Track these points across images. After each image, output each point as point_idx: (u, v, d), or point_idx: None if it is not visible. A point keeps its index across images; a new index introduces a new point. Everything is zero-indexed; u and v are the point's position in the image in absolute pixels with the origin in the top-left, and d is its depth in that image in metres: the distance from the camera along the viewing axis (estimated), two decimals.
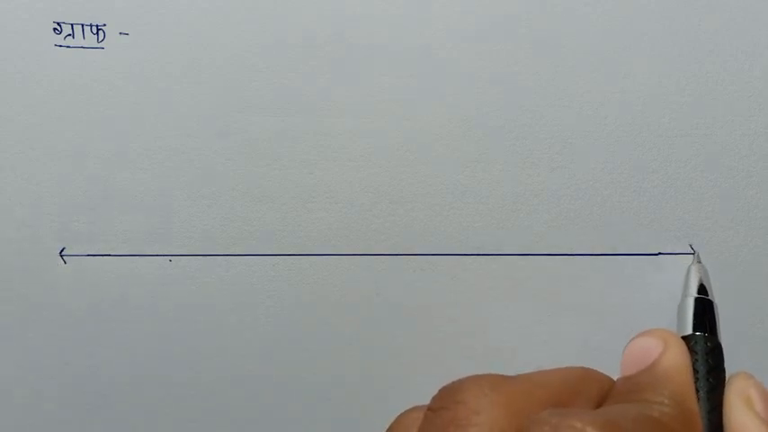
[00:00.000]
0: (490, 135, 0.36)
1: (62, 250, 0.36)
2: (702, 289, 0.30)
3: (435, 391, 0.24)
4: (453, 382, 0.23)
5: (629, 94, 0.36)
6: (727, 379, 0.26)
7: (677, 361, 0.24)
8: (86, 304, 0.37)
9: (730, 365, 0.29)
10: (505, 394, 0.22)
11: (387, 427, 0.26)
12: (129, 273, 0.36)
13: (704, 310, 0.29)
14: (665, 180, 0.36)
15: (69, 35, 0.34)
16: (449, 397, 0.23)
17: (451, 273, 0.37)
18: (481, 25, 0.35)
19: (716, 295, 0.34)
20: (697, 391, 0.25)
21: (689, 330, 0.28)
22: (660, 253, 0.37)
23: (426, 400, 0.24)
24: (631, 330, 0.37)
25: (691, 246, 0.37)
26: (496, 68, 0.35)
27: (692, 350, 0.26)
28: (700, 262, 0.30)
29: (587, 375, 0.24)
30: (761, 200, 0.37)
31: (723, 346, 0.29)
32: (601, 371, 0.25)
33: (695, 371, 0.25)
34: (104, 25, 0.34)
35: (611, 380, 0.25)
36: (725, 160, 0.36)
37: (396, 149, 0.36)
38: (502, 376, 0.23)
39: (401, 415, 0.26)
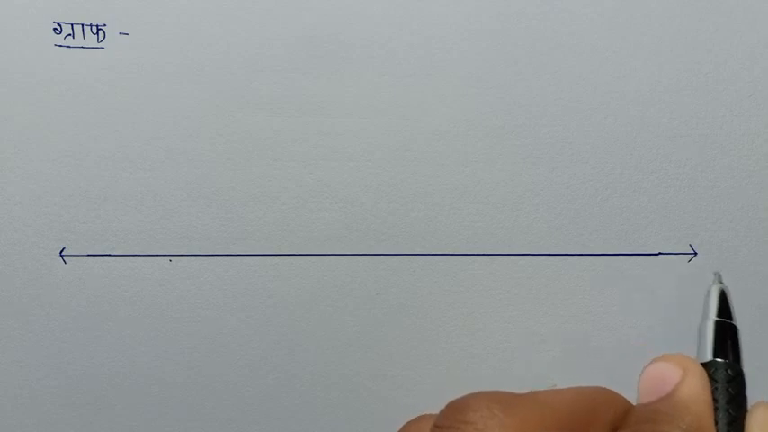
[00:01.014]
0: (490, 135, 0.36)
1: (62, 250, 0.36)
2: (724, 311, 0.28)
3: (435, 392, 0.24)
4: (461, 400, 0.22)
5: (629, 94, 0.36)
6: (748, 409, 0.25)
7: (696, 390, 0.23)
8: (86, 304, 0.37)
9: None
10: (517, 417, 0.21)
11: (387, 426, 0.26)
12: (129, 273, 0.36)
13: (725, 335, 0.27)
14: (665, 180, 0.36)
15: (69, 35, 0.34)
16: (456, 415, 0.21)
17: (451, 273, 0.37)
18: (481, 25, 0.35)
19: None
20: (716, 422, 0.24)
21: (709, 356, 0.27)
22: (660, 253, 0.37)
23: (426, 400, 0.24)
24: (631, 330, 0.37)
25: (691, 246, 0.37)
26: (496, 68, 0.35)
27: (711, 377, 0.25)
28: (721, 282, 0.28)
29: (603, 397, 0.23)
30: (761, 200, 0.37)
31: None
32: (600, 371, 0.25)
33: (714, 400, 0.24)
34: (104, 25, 0.34)
35: (627, 402, 0.24)
36: (725, 160, 0.36)
37: (396, 149, 0.36)
38: (512, 395, 0.22)
39: (408, 424, 0.25)
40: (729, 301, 0.28)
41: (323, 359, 0.37)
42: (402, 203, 0.36)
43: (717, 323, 0.27)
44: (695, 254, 0.37)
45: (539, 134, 0.36)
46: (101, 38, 0.34)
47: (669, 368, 0.24)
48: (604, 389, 0.24)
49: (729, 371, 0.25)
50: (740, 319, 0.38)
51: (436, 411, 0.23)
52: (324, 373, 0.38)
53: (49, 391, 0.37)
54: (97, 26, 0.34)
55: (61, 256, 0.36)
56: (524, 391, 0.23)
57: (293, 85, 0.35)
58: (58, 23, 0.34)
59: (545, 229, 0.37)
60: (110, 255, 0.36)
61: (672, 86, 0.36)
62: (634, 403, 0.24)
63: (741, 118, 0.36)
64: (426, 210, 0.36)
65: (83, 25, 0.34)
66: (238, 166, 0.36)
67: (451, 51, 0.35)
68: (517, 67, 0.35)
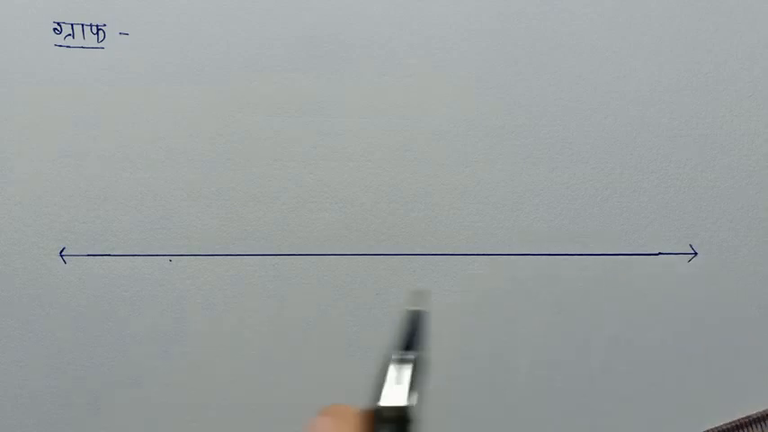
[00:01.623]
0: (490, 135, 0.36)
1: (62, 250, 0.36)
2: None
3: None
4: None
5: (629, 94, 0.36)
6: None
7: None
8: (86, 304, 0.37)
9: (730, 364, 0.29)
10: None
11: None
12: (129, 273, 0.36)
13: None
14: (665, 180, 0.36)
15: (69, 35, 0.34)
16: None
17: (451, 273, 0.37)
18: (481, 25, 0.35)
19: (716, 295, 0.34)
20: None
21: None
22: (660, 253, 0.37)
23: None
24: (631, 330, 0.37)
25: (691, 246, 0.37)
26: (496, 68, 0.35)
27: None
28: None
29: None
30: (761, 200, 0.37)
31: (725, 345, 0.29)
32: (599, 371, 0.25)
33: None
34: (104, 25, 0.34)
35: None
36: (725, 160, 0.36)
37: (396, 149, 0.36)
38: None
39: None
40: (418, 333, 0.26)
41: (323, 359, 0.37)
42: (402, 203, 0.36)
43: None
44: (695, 254, 0.37)
45: (539, 134, 0.36)
46: (101, 38, 0.34)
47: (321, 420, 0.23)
48: None
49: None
50: (740, 318, 0.38)
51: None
52: (324, 374, 0.38)
53: (49, 391, 0.37)
54: (97, 26, 0.34)
55: (61, 256, 0.36)
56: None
57: (293, 85, 0.35)
58: (58, 23, 0.34)
59: (545, 229, 0.37)
60: (110, 255, 0.36)
61: (672, 86, 0.36)
62: None
63: (741, 118, 0.36)
64: (426, 210, 0.36)
65: (83, 25, 0.34)
66: (238, 166, 0.36)
67: (451, 51, 0.35)
68: (517, 67, 0.35)
